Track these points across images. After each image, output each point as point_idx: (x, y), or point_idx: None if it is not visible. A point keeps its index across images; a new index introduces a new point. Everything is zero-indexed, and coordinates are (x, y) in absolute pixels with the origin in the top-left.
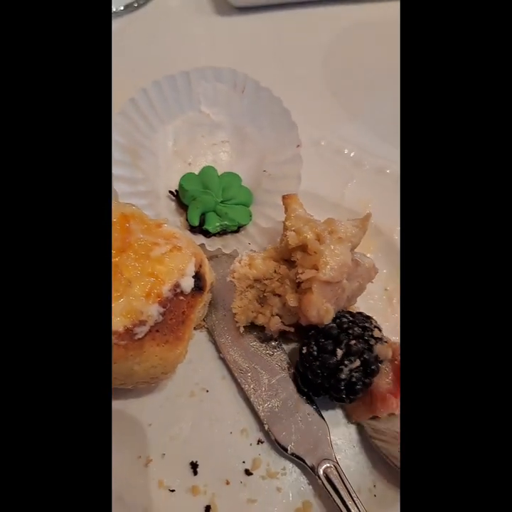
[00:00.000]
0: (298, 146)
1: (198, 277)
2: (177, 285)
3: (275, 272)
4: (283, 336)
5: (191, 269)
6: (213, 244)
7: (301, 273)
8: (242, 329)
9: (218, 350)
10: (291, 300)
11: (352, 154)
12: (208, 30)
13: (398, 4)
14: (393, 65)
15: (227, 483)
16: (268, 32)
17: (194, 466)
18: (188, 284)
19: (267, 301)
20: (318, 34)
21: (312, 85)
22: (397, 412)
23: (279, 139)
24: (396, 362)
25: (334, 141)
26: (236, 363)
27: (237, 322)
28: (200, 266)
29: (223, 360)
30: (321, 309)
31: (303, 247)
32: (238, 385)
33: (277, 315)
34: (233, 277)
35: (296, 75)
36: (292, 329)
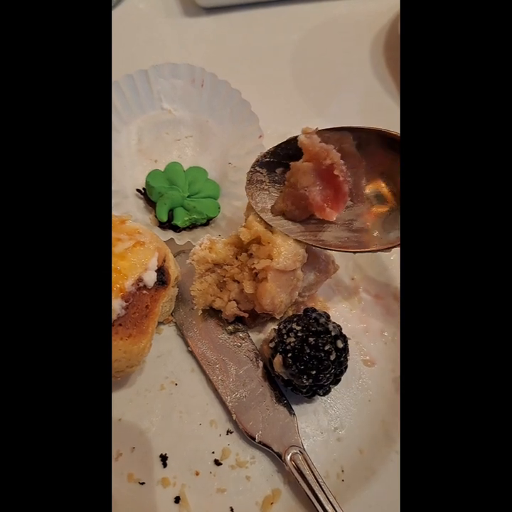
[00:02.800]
0: (260, 136)
1: (162, 271)
2: (140, 279)
3: (236, 258)
4: (239, 321)
5: (154, 264)
6: (182, 239)
7: (256, 263)
8: (199, 312)
9: (187, 344)
10: (248, 287)
11: None
12: (177, 32)
13: (365, 2)
14: (359, 62)
15: (197, 474)
16: (236, 32)
17: (164, 458)
18: (150, 278)
19: (226, 286)
20: (285, 33)
21: (280, 83)
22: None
23: (241, 130)
24: (323, 167)
25: None
26: (204, 355)
27: (194, 305)
28: (164, 260)
29: (192, 353)
30: (275, 298)
31: (258, 239)
32: (207, 377)
33: (234, 300)
34: (192, 260)
35: (264, 73)
36: (246, 315)
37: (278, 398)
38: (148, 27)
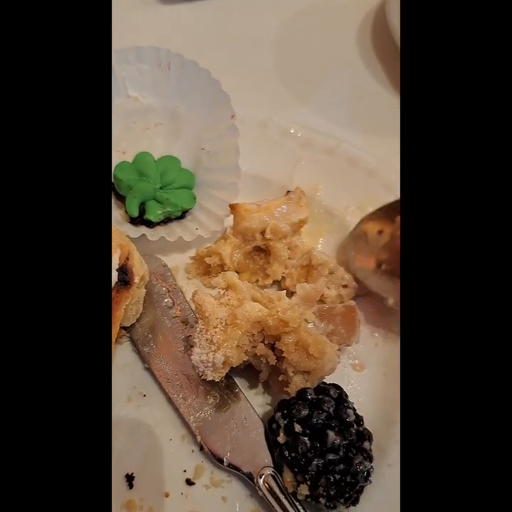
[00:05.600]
0: (232, 116)
1: (124, 271)
2: None
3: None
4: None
5: (115, 262)
6: (156, 234)
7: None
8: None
9: (143, 360)
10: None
11: (299, 134)
12: (152, 20)
13: None
14: (345, 48)
15: (167, 495)
16: (213, 19)
17: (130, 478)
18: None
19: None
20: (265, 19)
21: (260, 70)
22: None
23: (212, 112)
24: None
25: (281, 122)
26: (163, 371)
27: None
28: (128, 258)
29: (150, 370)
30: None
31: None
32: (167, 395)
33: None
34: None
35: (245, 61)
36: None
37: (247, 413)
38: (121, 16)
